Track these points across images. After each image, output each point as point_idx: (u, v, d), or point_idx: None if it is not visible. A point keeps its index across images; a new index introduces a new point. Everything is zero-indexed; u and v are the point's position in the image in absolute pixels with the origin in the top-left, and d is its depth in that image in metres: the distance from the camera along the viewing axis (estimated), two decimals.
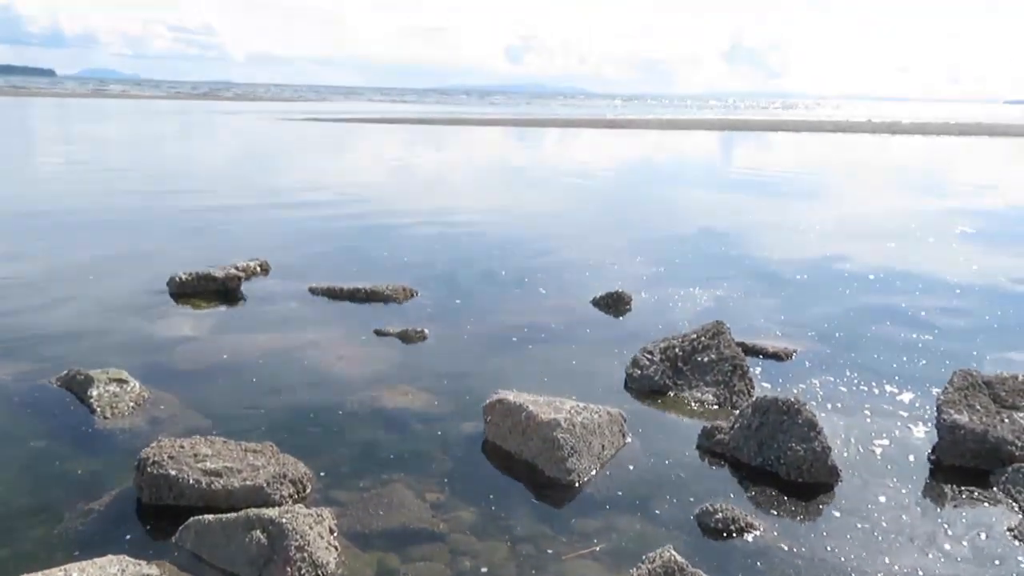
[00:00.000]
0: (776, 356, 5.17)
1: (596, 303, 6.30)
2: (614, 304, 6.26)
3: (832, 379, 4.76)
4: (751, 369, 4.70)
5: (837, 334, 5.69)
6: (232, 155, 18.47)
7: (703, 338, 4.72)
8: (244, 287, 6.43)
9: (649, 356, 4.66)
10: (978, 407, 4.00)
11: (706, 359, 4.59)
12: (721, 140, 29.74)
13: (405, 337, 5.33)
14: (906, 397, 4.50)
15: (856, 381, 4.73)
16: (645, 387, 4.53)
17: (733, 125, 40.22)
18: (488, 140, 26.71)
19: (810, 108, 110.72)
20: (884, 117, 63.96)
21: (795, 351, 5.24)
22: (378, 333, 5.40)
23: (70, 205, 10.23)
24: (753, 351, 5.22)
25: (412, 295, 6.33)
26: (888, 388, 4.63)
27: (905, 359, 5.17)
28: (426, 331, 5.41)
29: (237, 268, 6.50)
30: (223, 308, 5.94)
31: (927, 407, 4.30)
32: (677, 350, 4.68)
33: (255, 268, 6.78)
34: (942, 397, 4.05)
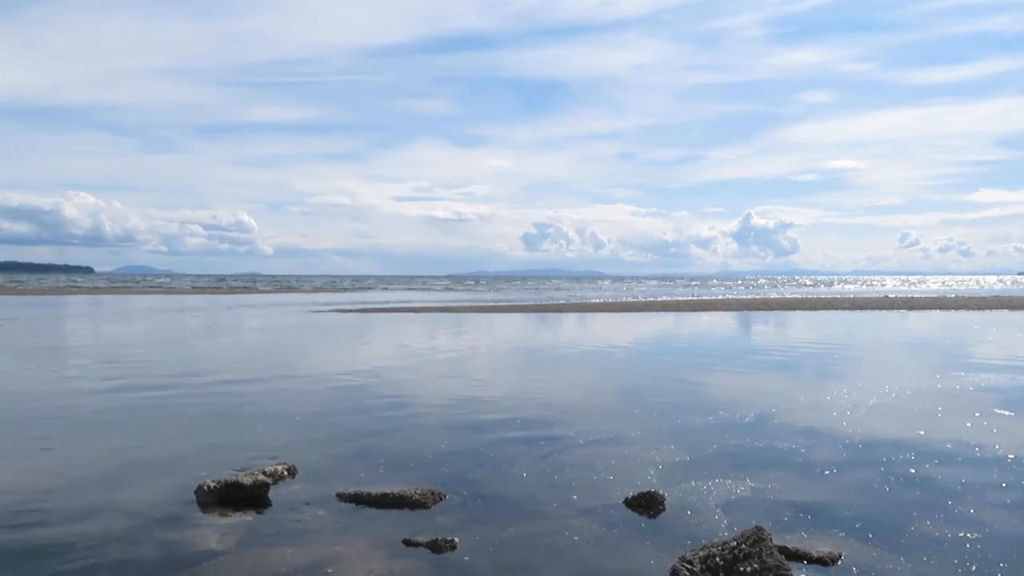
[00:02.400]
0: (821, 561, 4.97)
1: (629, 503, 6.16)
2: (647, 504, 6.11)
3: None
4: None
5: (881, 532, 5.48)
6: (254, 349, 18.86)
7: (743, 545, 4.57)
8: (272, 492, 6.37)
9: (689, 567, 4.49)
10: None
11: (749, 569, 4.42)
12: (740, 320, 30.11)
13: (435, 547, 5.20)
14: None
15: None
16: None
17: (752, 305, 40.77)
18: (507, 325, 27.23)
19: (827, 285, 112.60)
20: (898, 292, 64.79)
21: (840, 555, 5.04)
22: (407, 543, 5.27)
23: (98, 403, 10.37)
24: (796, 556, 5.02)
25: (440, 499, 6.23)
26: None
27: (962, 562, 4.94)
28: (456, 540, 5.28)
29: (265, 473, 6.49)
30: (250, 518, 5.86)
31: None
32: (718, 559, 4.51)
33: (282, 472, 6.76)
34: None
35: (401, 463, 7.39)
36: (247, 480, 6.23)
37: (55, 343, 19.94)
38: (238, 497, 6.13)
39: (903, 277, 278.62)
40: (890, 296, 50.21)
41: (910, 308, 37.31)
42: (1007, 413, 9.82)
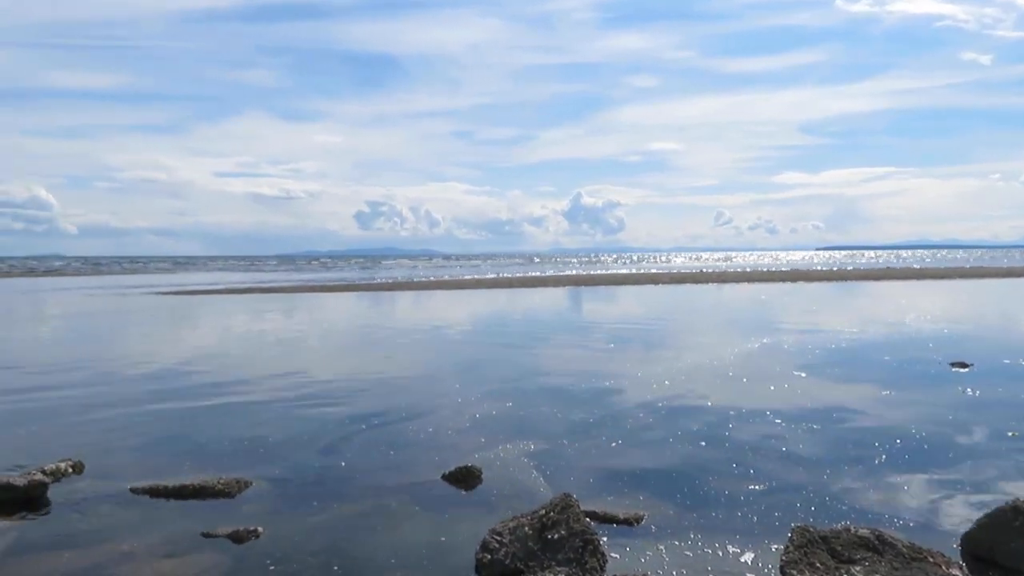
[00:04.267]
0: (627, 522, 5.18)
1: (447, 478, 6.15)
2: (464, 478, 6.13)
3: (678, 543, 4.80)
4: (603, 539, 4.66)
5: (680, 491, 5.81)
6: (53, 334, 17.19)
7: (552, 513, 4.67)
8: (53, 492, 5.77)
9: (498, 538, 4.52)
10: (818, 564, 4.13)
11: (557, 536, 4.52)
12: (570, 295, 31.13)
13: (236, 538, 4.91)
14: (749, 557, 4.59)
15: (701, 544, 4.79)
16: (497, 572, 4.35)
17: (581, 281, 42.28)
18: (339, 305, 26.55)
19: (657, 260, 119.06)
20: (713, 267, 69.65)
21: (643, 516, 5.28)
22: (205, 535, 4.95)
23: None
24: (604, 519, 5.21)
25: (246, 486, 5.91)
26: (732, 549, 4.71)
27: (746, 513, 5.32)
28: (260, 529, 5.02)
29: (44, 472, 5.86)
30: (23, 522, 5.27)
31: (771, 566, 4.39)
32: (527, 528, 4.58)
33: (65, 469, 6.14)
34: (784, 558, 4.16)
35: (209, 452, 6.97)
36: (20, 481, 5.59)
37: None
38: (9, 500, 5.49)
39: (720, 253, 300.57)
40: (705, 271, 53.98)
41: (723, 282, 40.24)
42: (803, 375, 10.75)
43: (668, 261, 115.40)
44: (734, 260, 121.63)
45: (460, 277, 49.84)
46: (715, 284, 38.38)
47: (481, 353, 13.61)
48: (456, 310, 24.00)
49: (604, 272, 57.55)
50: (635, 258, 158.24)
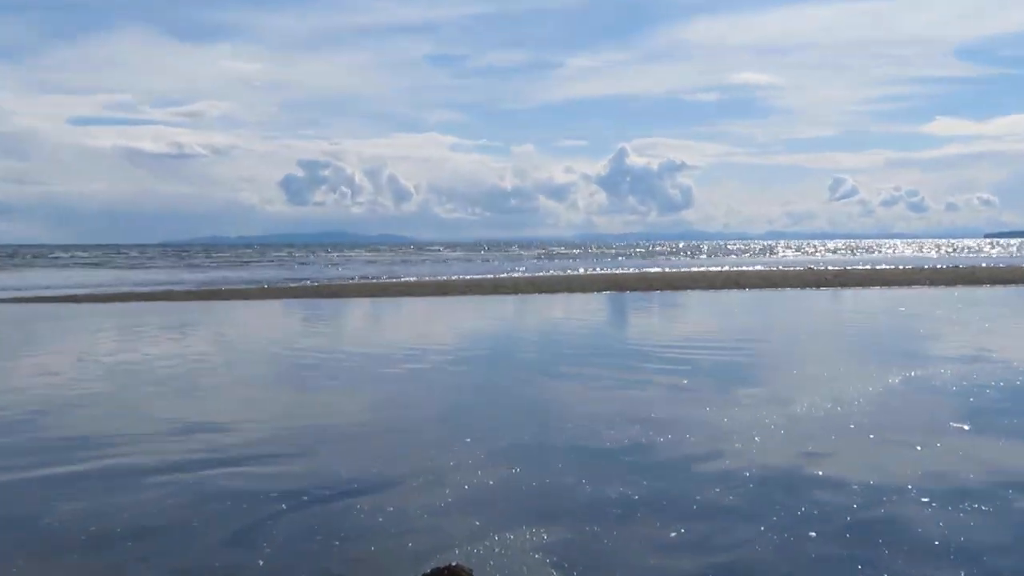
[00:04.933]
0: None
1: None
2: None
3: None
4: None
5: None
6: None
7: None
8: None
9: None
10: None
11: None
12: (609, 305, 31.06)
13: None
14: None
15: None
16: None
17: (623, 283, 42.12)
18: (257, 320, 26.54)
19: (729, 254, 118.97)
20: (828, 262, 69.58)
21: None
22: None
23: None
24: None
25: None
26: None
27: None
28: None
29: None
30: None
31: None
32: None
33: None
34: None
35: (59, 547, 6.95)
36: None
37: None
38: None
39: (839, 241, 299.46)
40: (815, 268, 53.77)
41: (843, 284, 40.08)
42: (966, 428, 10.64)
43: (760, 254, 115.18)
44: (861, 252, 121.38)
45: (443, 277, 49.89)
46: (831, 289, 38.33)
47: (474, 392, 13.54)
48: (437, 327, 23.97)
49: (660, 271, 57.46)
50: (707, 248, 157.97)
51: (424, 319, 26.57)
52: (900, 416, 11.29)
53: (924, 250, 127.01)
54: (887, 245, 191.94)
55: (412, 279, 48.57)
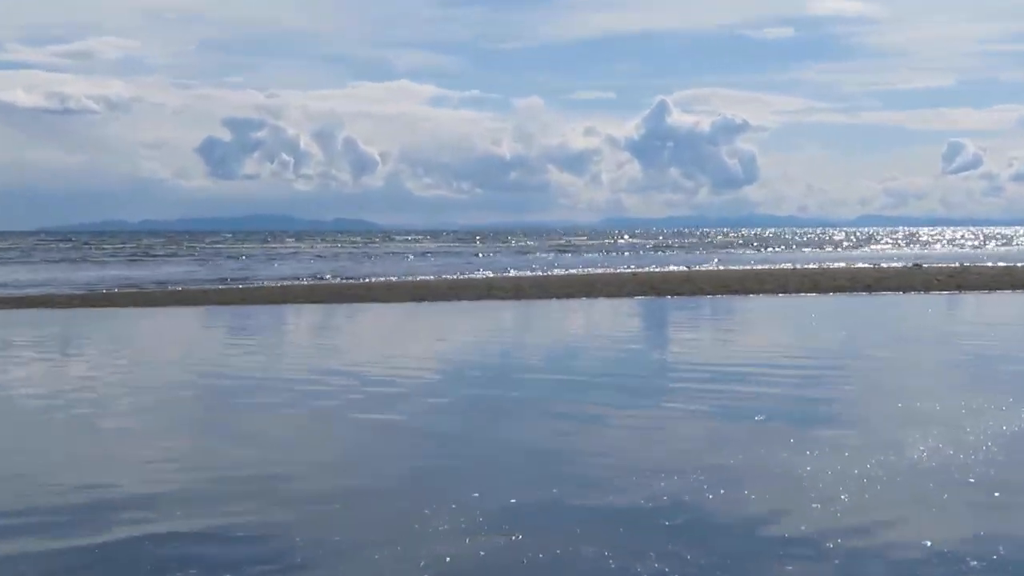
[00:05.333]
0: None
1: None
2: None
3: None
4: None
5: None
6: None
7: None
8: None
9: None
10: None
11: None
12: (643, 314, 31.09)
13: None
14: None
15: None
16: None
17: (663, 285, 42.11)
18: (170, 332, 26.57)
19: (804, 245, 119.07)
20: (940, 256, 69.56)
21: None
22: None
23: None
24: None
25: None
26: None
27: None
28: None
29: None
30: None
31: None
32: None
33: None
34: None
35: None
36: None
37: None
38: None
39: (956, 230, 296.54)
40: (924, 265, 53.59)
41: (960, 288, 40.03)
42: None
43: (848, 246, 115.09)
44: (987, 243, 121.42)
45: (419, 277, 49.97)
46: (945, 293, 38.33)
47: (458, 434, 13.54)
48: (410, 346, 23.94)
49: (712, 268, 57.53)
50: (772, 237, 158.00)
51: (394, 334, 26.56)
52: None
53: None
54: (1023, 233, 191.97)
55: (378, 279, 48.58)
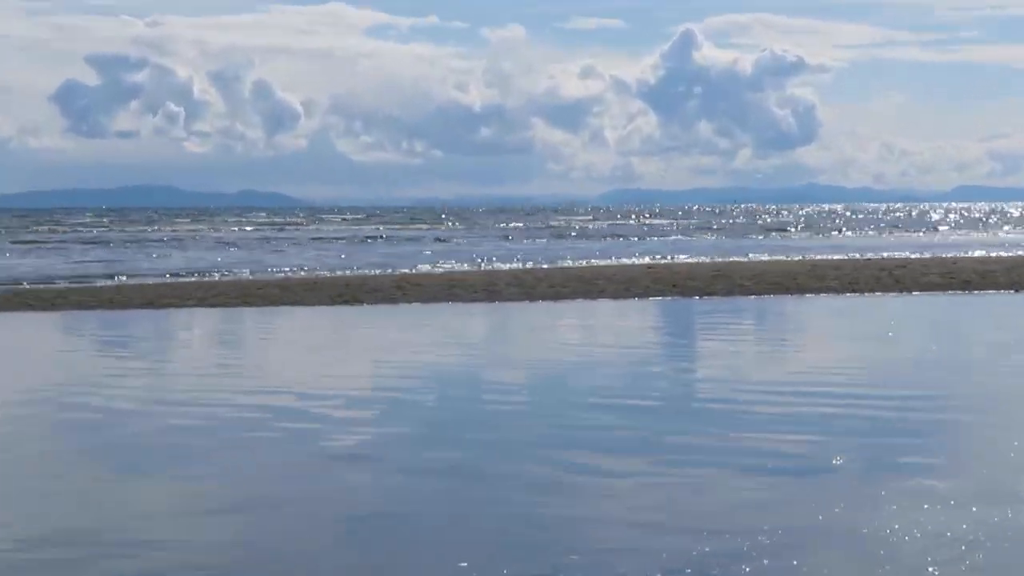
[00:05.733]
0: None
1: None
2: None
3: None
4: None
5: None
6: None
7: None
8: None
9: None
10: None
11: None
12: (664, 319, 31.14)
13: None
14: None
15: None
16: None
17: (687, 285, 42.31)
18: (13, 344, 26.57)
19: (888, 226, 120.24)
20: None
21: None
22: None
23: None
24: None
25: None
26: None
27: None
28: None
29: None
30: None
31: None
32: None
33: None
34: None
35: None
36: None
37: None
38: None
39: None
40: None
41: None
42: None
43: (938, 229, 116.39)
44: None
45: (355, 271, 50.19)
46: None
47: (413, 493, 13.44)
48: (344, 364, 23.99)
49: (751, 258, 58.02)
50: (839, 217, 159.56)
51: (321, 347, 26.58)
52: None
53: None
54: None
55: (298, 274, 48.75)
